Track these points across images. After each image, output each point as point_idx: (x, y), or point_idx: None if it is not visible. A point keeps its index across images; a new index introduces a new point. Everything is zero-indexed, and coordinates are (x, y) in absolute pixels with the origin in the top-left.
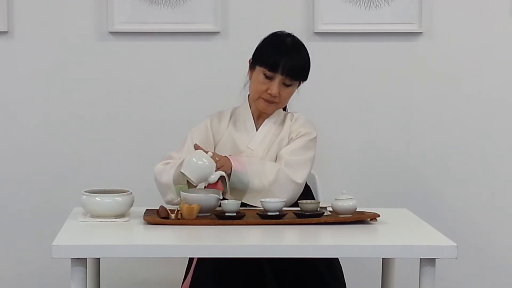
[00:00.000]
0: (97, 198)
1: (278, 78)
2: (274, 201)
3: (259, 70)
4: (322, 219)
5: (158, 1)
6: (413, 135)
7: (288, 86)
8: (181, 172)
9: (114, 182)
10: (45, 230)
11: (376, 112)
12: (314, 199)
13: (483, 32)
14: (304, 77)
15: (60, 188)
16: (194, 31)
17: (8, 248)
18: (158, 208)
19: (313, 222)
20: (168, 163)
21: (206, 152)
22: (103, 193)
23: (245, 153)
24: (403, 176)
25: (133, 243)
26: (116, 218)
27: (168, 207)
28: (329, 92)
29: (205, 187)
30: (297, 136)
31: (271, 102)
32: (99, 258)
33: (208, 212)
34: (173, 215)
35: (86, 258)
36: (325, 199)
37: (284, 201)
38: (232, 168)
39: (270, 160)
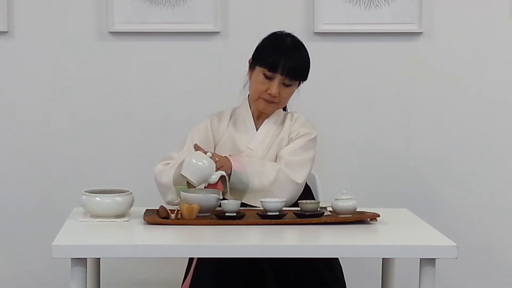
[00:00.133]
0: (97, 198)
1: (278, 78)
2: (274, 201)
3: (259, 70)
4: (322, 219)
5: (158, 1)
6: (413, 135)
7: (288, 86)
8: (181, 174)
9: (114, 182)
10: (45, 230)
11: (376, 112)
12: (314, 199)
13: (483, 32)
14: (304, 77)
15: (60, 188)
16: (194, 31)
17: (8, 248)
18: (158, 208)
19: (313, 222)
20: (168, 164)
21: (205, 153)
22: (103, 193)
23: (245, 153)
24: (403, 176)
25: (133, 243)
26: (116, 218)
27: (168, 207)
28: (329, 92)
29: (205, 187)
30: (297, 136)
31: (271, 102)
32: (99, 258)
33: (208, 212)
34: (173, 215)
35: (86, 258)
36: (325, 199)
37: (284, 201)
38: (232, 168)
39: (270, 160)
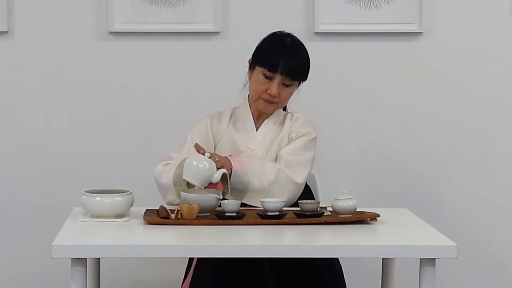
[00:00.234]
0: (97, 198)
1: (278, 78)
2: (274, 201)
3: (258, 70)
4: (322, 219)
5: (158, 1)
6: (413, 135)
7: (287, 86)
8: (183, 179)
9: (114, 182)
10: (45, 230)
11: (376, 112)
12: (314, 199)
13: (483, 32)
14: (304, 77)
15: (60, 188)
16: (194, 31)
17: (8, 248)
18: (158, 208)
19: (313, 222)
20: (168, 164)
21: (204, 153)
22: (103, 193)
23: (245, 153)
24: (403, 176)
25: (133, 243)
26: (116, 218)
27: (168, 207)
28: (329, 92)
29: (205, 187)
30: (297, 136)
31: (270, 102)
32: (99, 258)
33: (208, 212)
34: (173, 215)
35: (86, 258)
36: (325, 199)
37: (284, 201)
38: (233, 169)
39: (270, 160)
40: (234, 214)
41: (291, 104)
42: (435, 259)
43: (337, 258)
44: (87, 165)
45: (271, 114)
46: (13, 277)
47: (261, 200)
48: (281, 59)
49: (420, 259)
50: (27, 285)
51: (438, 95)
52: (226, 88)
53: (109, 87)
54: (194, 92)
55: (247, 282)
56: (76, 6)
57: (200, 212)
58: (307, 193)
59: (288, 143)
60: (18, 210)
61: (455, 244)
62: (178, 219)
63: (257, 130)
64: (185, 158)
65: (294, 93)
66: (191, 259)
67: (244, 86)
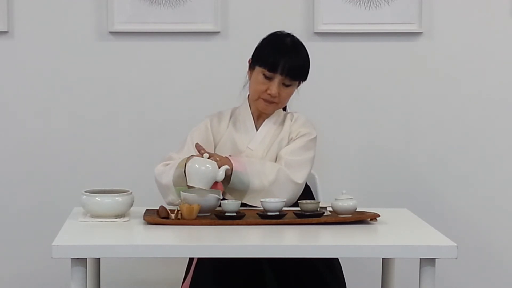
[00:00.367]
0: (97, 198)
1: (278, 78)
2: (274, 201)
3: (258, 70)
4: (322, 219)
5: (158, 1)
6: (413, 135)
7: (287, 86)
8: (189, 186)
9: (114, 182)
10: (45, 230)
11: (376, 112)
12: (314, 199)
13: (483, 32)
14: (304, 77)
15: (60, 188)
16: (194, 31)
17: (8, 248)
18: (158, 208)
19: (313, 222)
20: (167, 164)
21: (203, 155)
22: (103, 193)
23: (245, 153)
24: (403, 176)
25: (133, 243)
26: (116, 218)
27: (168, 207)
28: (329, 92)
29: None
30: (297, 136)
31: (270, 102)
32: (99, 258)
33: (208, 212)
34: (173, 215)
35: (86, 258)
36: (325, 199)
37: (284, 201)
38: (233, 169)
39: (270, 160)
40: (234, 214)
41: (291, 104)
42: (435, 259)
43: (337, 258)
44: (87, 165)
45: (271, 114)
46: (13, 277)
47: (261, 200)
48: (281, 59)
49: (420, 259)
50: (27, 285)
51: (438, 95)
52: (226, 88)
53: (109, 87)
54: (194, 92)
55: (247, 282)
56: (76, 6)
57: (200, 212)
58: (307, 193)
59: (288, 143)
60: (18, 210)
61: (455, 244)
62: (178, 219)
63: (257, 130)
64: (184, 158)
65: (294, 93)
66: (191, 259)
67: (244, 86)
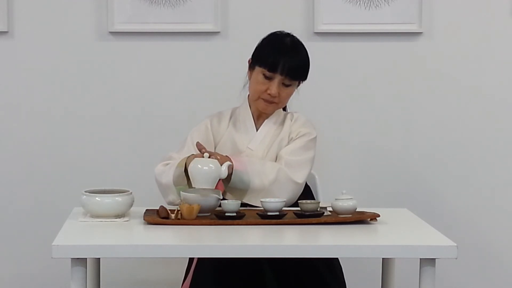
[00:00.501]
0: (97, 198)
1: (278, 78)
2: (274, 201)
3: (258, 70)
4: (322, 219)
5: (158, 1)
6: (413, 135)
7: (287, 86)
8: (194, 188)
9: (114, 182)
10: (45, 230)
11: (376, 112)
12: (314, 199)
13: (483, 32)
14: (304, 77)
15: (60, 188)
16: (194, 31)
17: (8, 248)
18: (158, 208)
19: (313, 222)
20: (167, 164)
21: (203, 154)
22: (103, 193)
23: (245, 154)
24: (403, 176)
25: (133, 243)
26: (116, 218)
27: (168, 207)
28: (329, 92)
29: None
30: (297, 136)
31: (270, 102)
32: (99, 258)
33: (208, 212)
34: (173, 215)
35: (86, 258)
36: (325, 199)
37: (284, 201)
38: (233, 168)
39: (270, 160)
40: (234, 214)
41: (291, 104)
42: (435, 259)
43: (337, 258)
44: (87, 165)
45: (271, 114)
46: (13, 277)
47: (261, 200)
48: (281, 59)
49: (420, 259)
50: (27, 285)
51: (438, 95)
52: (226, 88)
53: (109, 87)
54: (194, 92)
55: (247, 282)
56: (76, 6)
57: (200, 212)
58: (307, 193)
59: (288, 143)
60: (18, 210)
61: (455, 244)
62: (178, 219)
63: (257, 130)
64: (185, 158)
65: (294, 93)
66: (191, 259)
67: (244, 86)
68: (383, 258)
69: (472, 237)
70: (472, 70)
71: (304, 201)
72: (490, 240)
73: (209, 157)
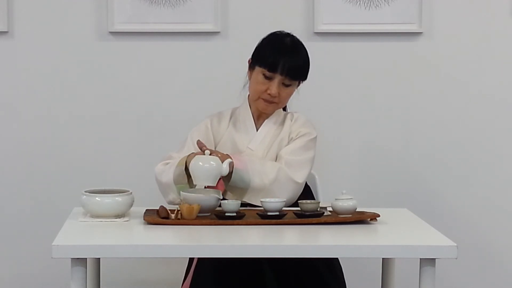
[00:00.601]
0: (97, 198)
1: (278, 78)
2: (274, 201)
3: (258, 70)
4: (322, 219)
5: (158, 1)
6: (413, 135)
7: (287, 86)
8: (195, 185)
9: (114, 182)
10: (45, 230)
11: (376, 112)
12: (314, 199)
13: (483, 32)
14: (304, 77)
15: (60, 188)
16: (194, 31)
17: (8, 248)
18: (158, 208)
19: (313, 222)
20: (167, 163)
21: (204, 152)
22: (103, 193)
23: (245, 154)
24: (403, 176)
25: (133, 243)
26: (116, 218)
27: (168, 207)
28: (329, 92)
29: (205, 187)
30: (297, 136)
31: (270, 102)
32: (99, 258)
33: (208, 212)
34: (173, 215)
35: (86, 258)
36: (325, 199)
37: (284, 201)
38: (234, 166)
39: (270, 160)
40: (234, 214)
41: (291, 104)
42: (435, 259)
43: (337, 258)
44: (87, 165)
45: (271, 114)
46: (13, 277)
47: (261, 200)
48: (281, 59)
49: (420, 259)
50: (27, 285)
51: (438, 95)
52: (226, 88)
53: (109, 87)
54: (194, 92)
55: (247, 282)
56: (76, 6)
57: (200, 212)
58: (307, 193)
59: (288, 143)
60: (18, 210)
61: (455, 244)
62: (178, 219)
63: (257, 130)
64: (185, 156)
65: (294, 93)
66: (191, 259)
67: (244, 86)
68: (383, 258)
69: (472, 237)
70: (472, 70)
71: (304, 201)
72: (490, 240)
73: (210, 155)
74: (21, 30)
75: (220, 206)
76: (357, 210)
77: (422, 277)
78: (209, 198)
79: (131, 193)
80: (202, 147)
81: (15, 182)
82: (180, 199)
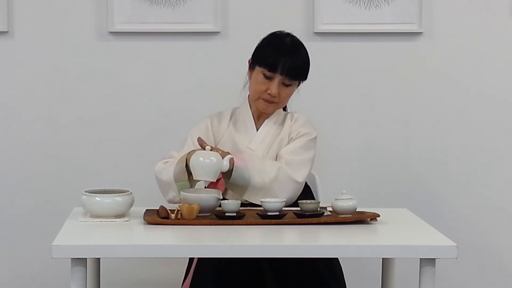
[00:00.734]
0: (97, 198)
1: (278, 78)
2: (274, 201)
3: (258, 70)
4: (322, 219)
5: (158, 1)
6: (413, 135)
7: (287, 86)
8: (195, 180)
9: (114, 182)
10: (45, 230)
11: (376, 112)
12: (314, 199)
13: (483, 32)
14: (304, 77)
15: (60, 188)
16: (194, 31)
17: (8, 248)
18: (158, 208)
19: (313, 222)
20: (167, 162)
21: (205, 148)
22: (103, 193)
23: (245, 153)
24: (403, 176)
25: (133, 243)
26: (116, 218)
27: (168, 206)
28: (329, 92)
29: (205, 187)
30: (297, 136)
31: (270, 102)
32: (99, 258)
33: (208, 212)
34: (173, 215)
35: (86, 258)
36: (325, 199)
37: (284, 201)
38: (234, 164)
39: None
40: (234, 214)
41: (291, 104)
42: (435, 259)
43: (337, 258)
44: (87, 165)
45: (271, 114)
46: (13, 277)
47: (261, 200)
48: (281, 59)
49: (420, 259)
50: (27, 285)
51: (438, 95)
52: (226, 88)
53: (109, 87)
54: (194, 92)
55: (247, 282)
56: (76, 6)
57: (200, 212)
58: (307, 193)
59: (288, 143)
60: (18, 210)
61: (455, 244)
62: (178, 219)
63: (257, 130)
64: (185, 154)
65: (294, 93)
66: (191, 259)
67: (244, 86)
68: (383, 258)
69: (472, 237)
70: (472, 70)
71: (304, 201)
72: (490, 240)
73: (210, 151)
74: (21, 30)
75: (220, 206)
76: (357, 210)
77: (422, 277)
78: (209, 198)
79: (131, 193)
80: (202, 144)
81: (15, 182)
82: (180, 198)
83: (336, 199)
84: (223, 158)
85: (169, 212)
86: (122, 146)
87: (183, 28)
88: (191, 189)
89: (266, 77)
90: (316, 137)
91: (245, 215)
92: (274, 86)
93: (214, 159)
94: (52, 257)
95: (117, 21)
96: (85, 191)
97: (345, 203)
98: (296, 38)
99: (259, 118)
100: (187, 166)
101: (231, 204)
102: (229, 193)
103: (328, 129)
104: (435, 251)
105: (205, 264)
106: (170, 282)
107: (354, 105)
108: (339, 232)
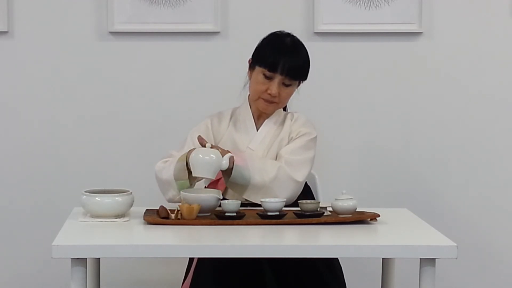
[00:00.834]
0: (97, 198)
1: (278, 78)
2: (274, 201)
3: (258, 70)
4: (322, 219)
5: (158, 1)
6: (413, 135)
7: (287, 86)
8: (194, 176)
9: (114, 182)
10: (45, 230)
11: (376, 112)
12: (314, 199)
13: (483, 32)
14: (304, 77)
15: (60, 188)
16: (194, 31)
17: (8, 248)
18: (158, 208)
19: (313, 222)
20: (167, 161)
21: (205, 146)
22: (103, 193)
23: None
24: (403, 176)
25: (133, 243)
26: (116, 218)
27: (168, 206)
28: (329, 92)
29: (205, 187)
30: (297, 136)
31: (271, 102)
32: (99, 258)
33: (208, 212)
34: (173, 215)
35: (86, 258)
36: (325, 199)
37: (284, 201)
38: (234, 163)
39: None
40: (234, 214)
41: (291, 104)
42: (435, 259)
43: (337, 258)
44: (87, 165)
45: (271, 114)
46: (13, 277)
47: (261, 200)
48: (281, 59)
49: (420, 259)
50: (27, 285)
51: (438, 95)
52: (226, 88)
53: (109, 87)
54: (194, 92)
55: (247, 282)
56: (76, 6)
57: (200, 212)
58: (307, 192)
59: (288, 142)
60: (18, 210)
61: (455, 244)
62: (178, 219)
63: (257, 130)
64: (185, 153)
65: (294, 93)
66: (191, 259)
67: (244, 86)
68: (383, 258)
69: (472, 237)
70: (472, 70)
71: (304, 201)
72: (490, 240)
73: (210, 148)
74: (21, 30)
75: (220, 206)
76: (357, 210)
77: (422, 277)
78: (209, 198)
79: (131, 193)
80: (202, 142)
81: (15, 182)
82: (180, 197)
83: (336, 199)
84: (223, 156)
85: (169, 212)
86: (122, 146)
87: (183, 28)
88: (191, 189)
89: (266, 77)
90: (316, 137)
91: (245, 215)
92: (274, 86)
93: (213, 156)
94: (52, 257)
95: (117, 21)
96: (85, 191)
97: (345, 203)
98: (296, 38)
99: (259, 118)
100: (187, 164)
101: (231, 204)
102: (229, 193)
103: (328, 129)
104: (435, 251)
105: (205, 264)
106: (170, 282)
107: (354, 105)
108: (339, 232)
